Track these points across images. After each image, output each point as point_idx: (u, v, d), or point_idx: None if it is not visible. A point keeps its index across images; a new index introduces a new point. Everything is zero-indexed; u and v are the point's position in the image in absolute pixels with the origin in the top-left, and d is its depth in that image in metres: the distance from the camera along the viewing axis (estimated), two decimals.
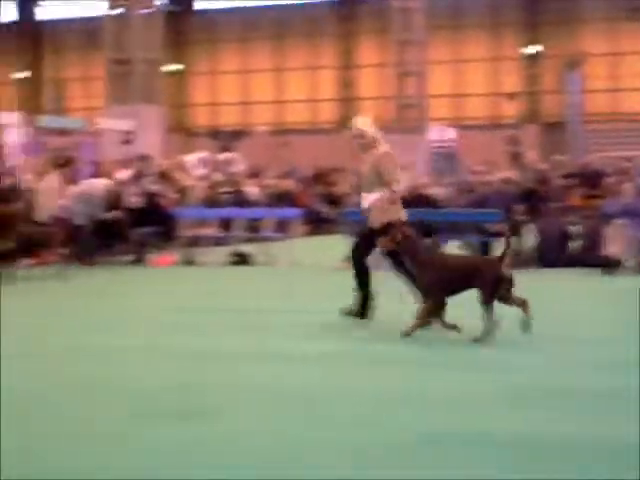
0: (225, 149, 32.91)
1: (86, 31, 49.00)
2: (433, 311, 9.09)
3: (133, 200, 18.73)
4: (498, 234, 16.19)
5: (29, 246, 15.86)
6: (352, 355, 8.46)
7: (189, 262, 18.02)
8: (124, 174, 20.04)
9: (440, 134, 40.85)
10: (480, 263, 9.39)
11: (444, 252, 9.50)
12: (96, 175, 19.59)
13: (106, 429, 6.00)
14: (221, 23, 50.11)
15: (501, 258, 8.98)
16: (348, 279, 10.48)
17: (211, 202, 22.08)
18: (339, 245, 16.52)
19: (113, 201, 18.11)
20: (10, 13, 52.00)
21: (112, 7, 35.17)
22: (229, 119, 48.08)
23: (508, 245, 9.09)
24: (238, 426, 6.02)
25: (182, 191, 22.15)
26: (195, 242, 19.03)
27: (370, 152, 10.29)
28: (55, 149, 21.77)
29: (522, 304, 8.83)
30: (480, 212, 16.81)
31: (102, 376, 7.65)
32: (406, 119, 40.69)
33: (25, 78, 51.15)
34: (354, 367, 7.90)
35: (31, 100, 50.10)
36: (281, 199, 24.41)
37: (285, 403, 6.63)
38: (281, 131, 46.29)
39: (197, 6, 51.53)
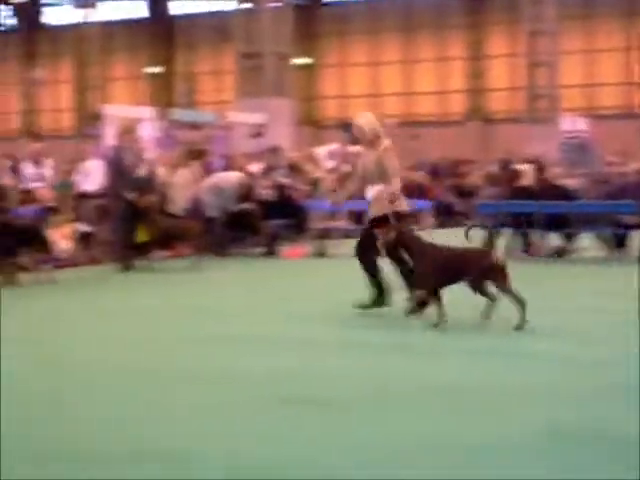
0: (355, 141, 32.86)
1: (217, 25, 49.62)
2: (426, 299, 9.59)
3: (264, 193, 18.89)
4: (634, 226, 15.84)
5: (164, 238, 16.17)
6: (499, 350, 8.38)
7: (320, 254, 18.10)
8: (255, 167, 20.24)
9: (572, 124, 40.09)
10: (473, 254, 9.56)
11: (438, 244, 9.84)
12: (228, 168, 19.83)
13: (242, 416, 6.07)
14: (350, 15, 50.16)
15: (490, 248, 9.36)
16: None
17: None
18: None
19: (245, 194, 18.30)
20: (142, 9, 53.03)
21: (242, 1, 35.57)
22: (358, 111, 48.03)
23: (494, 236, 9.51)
24: (372, 417, 6.02)
25: (312, 183, 22.24)
26: (326, 234, 19.10)
27: (372, 148, 10.61)
28: (187, 143, 22.07)
29: (519, 300, 9.13)
30: (615, 204, 16.46)
31: (237, 365, 7.75)
32: (537, 110, 40.14)
33: (157, 73, 52.10)
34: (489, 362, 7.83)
35: (163, 94, 50.98)
36: (411, 191, 24.26)
37: (434, 397, 6.60)
38: (410, 123, 46.12)
39: None
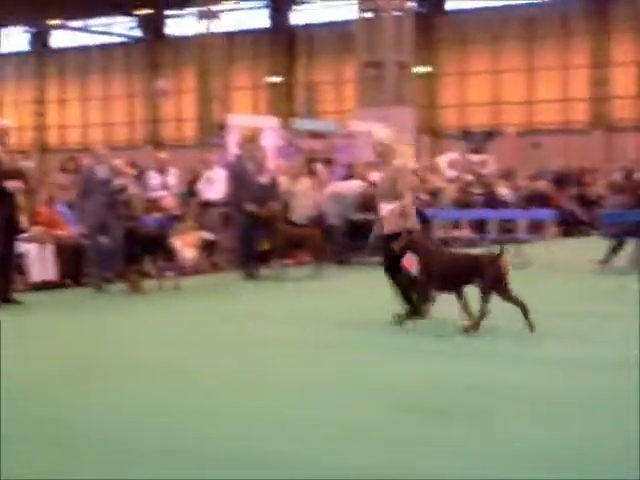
0: (476, 150, 32.66)
1: (337, 35, 49.83)
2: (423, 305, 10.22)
3: None
4: None
5: (286, 247, 16.26)
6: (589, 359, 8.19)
7: None
8: (376, 176, 20.20)
9: None
10: (481, 260, 9.86)
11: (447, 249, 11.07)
12: (350, 177, 19.86)
13: (365, 424, 6.04)
14: (470, 23, 49.77)
15: (500, 255, 9.60)
16: (604, 282, 10.19)
17: (463, 203, 21.98)
18: (594, 247, 16.10)
19: (366, 202, 18.27)
20: (264, 20, 53.56)
21: (363, 10, 35.68)
22: (478, 120, 47.68)
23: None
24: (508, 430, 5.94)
25: (433, 193, 22.14)
26: (448, 243, 18.97)
27: (387, 163, 10.90)
28: (309, 152, 22.20)
29: (520, 305, 9.43)
30: None
31: (354, 369, 7.74)
32: None
33: (278, 82, 52.54)
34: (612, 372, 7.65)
35: (284, 104, 51.37)
36: (533, 200, 23.98)
37: (561, 410, 6.48)
38: (531, 131, 45.57)
39: (448, 6, 51.38)
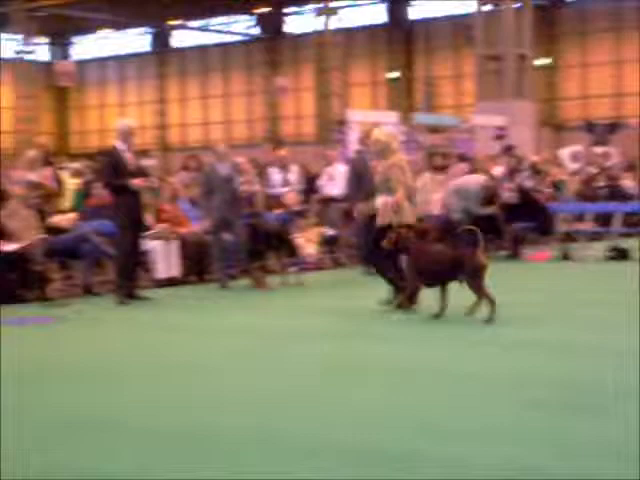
0: (599, 142, 32.06)
1: (456, 29, 49.46)
2: (412, 296, 10.78)
3: (508, 195, 18.66)
4: None
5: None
6: None
7: (565, 257, 17.72)
8: (499, 170, 20.03)
9: None
10: (462, 255, 10.43)
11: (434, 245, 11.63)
12: (471, 171, 19.70)
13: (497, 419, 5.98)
14: (591, 14, 48.84)
15: (476, 249, 10.26)
16: None
17: (586, 196, 21.62)
18: None
19: (489, 196, 18.12)
20: (382, 15, 53.47)
21: (482, 3, 35.34)
22: (601, 112, 46.76)
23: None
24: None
25: (555, 185, 21.83)
26: (571, 237, 18.68)
27: (384, 160, 11.53)
28: (430, 146, 22.12)
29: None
30: None
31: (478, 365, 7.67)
32: None
33: (397, 77, 52.40)
34: None
35: (402, 99, 51.21)
36: None
37: None
38: None
39: None
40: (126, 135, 13.05)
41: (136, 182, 12.74)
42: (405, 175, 11.57)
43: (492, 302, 10.12)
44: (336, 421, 6.18)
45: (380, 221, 11.49)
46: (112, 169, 12.87)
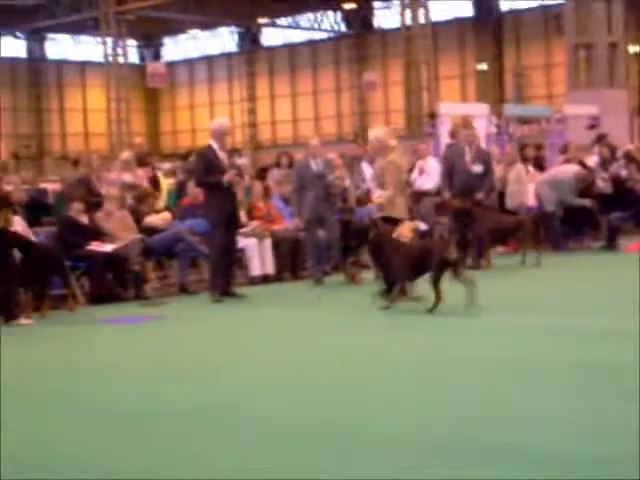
0: None
1: (546, 18, 48.92)
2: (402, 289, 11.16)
3: (602, 185, 18.37)
4: None
5: (501, 234, 16.05)
6: None
7: None
8: (593, 160, 19.74)
9: None
10: (430, 248, 11.07)
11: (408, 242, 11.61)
12: (564, 161, 19.44)
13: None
14: None
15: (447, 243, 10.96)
16: None
17: None
18: None
19: (582, 187, 17.85)
20: (469, 8, 53.08)
21: None
22: None
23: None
24: None
25: None
26: None
27: (380, 157, 12.18)
28: (522, 138, 21.88)
29: (469, 283, 10.60)
30: None
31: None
32: None
33: (485, 69, 51.97)
34: None
35: (492, 91, 50.78)
36: None
37: None
38: None
39: None
40: (220, 134, 13.16)
41: (227, 177, 12.82)
42: (400, 173, 12.30)
43: (439, 299, 10.49)
44: (431, 415, 6.16)
45: (375, 215, 12.17)
46: (205, 168, 12.99)
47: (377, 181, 12.37)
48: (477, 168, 15.54)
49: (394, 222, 11.86)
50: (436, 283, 10.53)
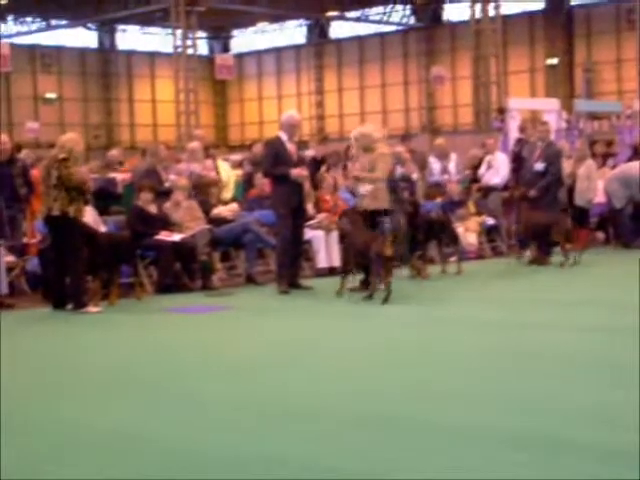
0: None
1: (618, 12, 48.29)
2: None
3: None
4: None
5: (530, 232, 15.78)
6: None
7: None
8: None
9: None
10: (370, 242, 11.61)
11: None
12: (634, 158, 19.19)
13: None
14: None
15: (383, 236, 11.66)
16: None
17: None
18: None
19: None
20: (539, 1, 52.56)
21: None
22: None
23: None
24: None
25: None
26: None
27: (370, 152, 12.70)
28: (592, 134, 21.66)
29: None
30: None
31: None
32: None
33: (555, 64, 51.44)
34: None
35: (561, 86, 50.28)
36: None
37: None
38: None
39: None
40: (290, 126, 13.20)
41: (296, 172, 12.86)
42: (390, 165, 13.12)
43: (373, 291, 11.49)
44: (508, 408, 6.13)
45: (363, 206, 12.72)
46: (273, 159, 13.04)
47: (363, 174, 12.82)
48: (538, 166, 15.40)
49: (378, 213, 12.64)
50: (374, 274, 11.51)
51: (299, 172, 12.91)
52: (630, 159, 19.25)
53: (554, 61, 51.43)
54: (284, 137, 13.12)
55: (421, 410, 6.27)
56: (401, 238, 14.14)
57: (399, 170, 14.70)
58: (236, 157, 20.32)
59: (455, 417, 6.05)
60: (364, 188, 12.76)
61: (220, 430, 5.94)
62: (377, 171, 12.71)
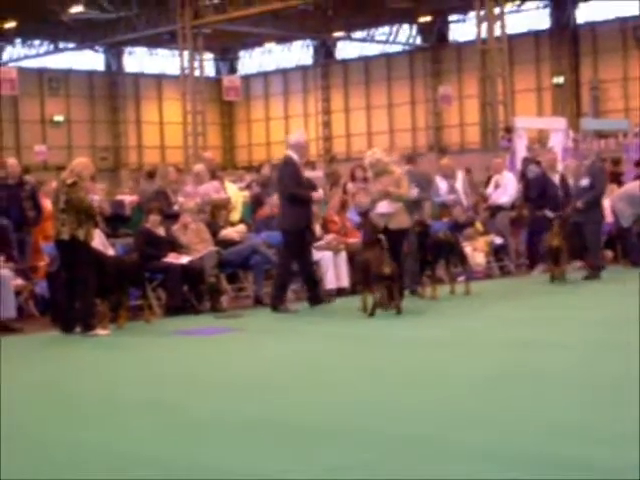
0: None
1: (624, 30, 48.38)
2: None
3: None
4: None
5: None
6: None
7: None
8: None
9: None
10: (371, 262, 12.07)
11: None
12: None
13: None
14: None
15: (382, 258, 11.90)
16: None
17: None
18: None
19: None
20: (544, 20, 52.68)
21: None
22: None
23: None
24: None
25: None
26: None
27: (381, 176, 12.82)
28: (600, 152, 21.66)
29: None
30: None
31: None
32: None
33: (562, 83, 51.50)
34: None
35: (567, 104, 50.37)
36: None
37: None
38: None
39: None
40: (301, 147, 13.30)
41: (317, 195, 13.10)
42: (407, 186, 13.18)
43: (373, 310, 11.95)
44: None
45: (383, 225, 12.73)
46: (296, 180, 13.08)
47: (381, 195, 12.80)
48: (584, 182, 15.88)
49: (400, 233, 12.78)
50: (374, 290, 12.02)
51: (320, 196, 13.21)
52: (637, 177, 19.24)
53: (560, 80, 51.51)
54: (295, 158, 13.16)
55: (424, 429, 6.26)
56: (413, 258, 14.14)
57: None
58: (243, 178, 20.29)
59: (474, 440, 6.03)
60: (387, 208, 12.72)
61: (229, 450, 5.95)
62: (402, 189, 12.87)
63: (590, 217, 15.75)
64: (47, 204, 13.37)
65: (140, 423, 6.87)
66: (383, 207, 12.75)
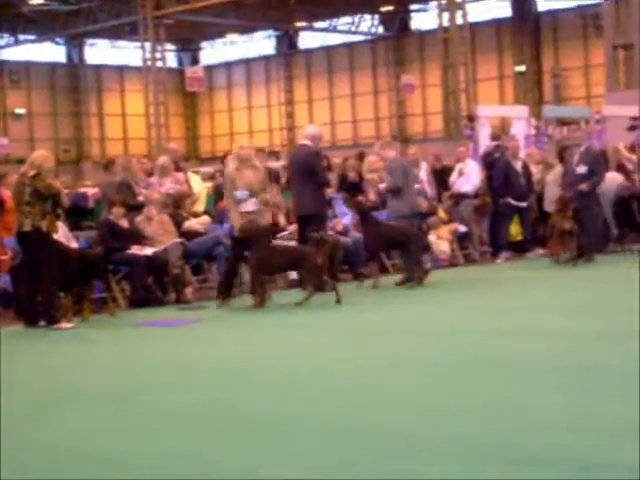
0: None
1: (584, 18, 48.67)
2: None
3: None
4: None
5: (540, 237, 16.03)
6: None
7: None
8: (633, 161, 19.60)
9: None
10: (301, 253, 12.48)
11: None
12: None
13: None
14: None
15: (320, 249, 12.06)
16: None
17: None
18: None
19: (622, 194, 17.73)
20: (507, 9, 52.88)
21: None
22: None
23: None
24: None
25: None
26: None
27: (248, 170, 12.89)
28: (560, 140, 21.74)
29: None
30: None
31: None
32: None
33: (524, 71, 51.75)
34: None
35: (530, 92, 50.63)
36: None
37: None
38: None
39: None
40: (318, 139, 14.13)
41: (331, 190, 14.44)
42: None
43: (311, 295, 12.05)
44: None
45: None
46: (324, 169, 14.42)
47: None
48: (581, 169, 16.13)
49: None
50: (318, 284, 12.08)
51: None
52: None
53: (522, 68, 51.76)
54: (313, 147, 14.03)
55: (388, 420, 6.28)
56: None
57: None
58: (207, 169, 20.25)
59: (430, 428, 6.06)
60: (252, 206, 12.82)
61: (189, 440, 5.95)
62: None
63: (590, 202, 15.95)
64: (9, 197, 13.25)
65: (104, 414, 6.85)
66: (249, 205, 12.75)
